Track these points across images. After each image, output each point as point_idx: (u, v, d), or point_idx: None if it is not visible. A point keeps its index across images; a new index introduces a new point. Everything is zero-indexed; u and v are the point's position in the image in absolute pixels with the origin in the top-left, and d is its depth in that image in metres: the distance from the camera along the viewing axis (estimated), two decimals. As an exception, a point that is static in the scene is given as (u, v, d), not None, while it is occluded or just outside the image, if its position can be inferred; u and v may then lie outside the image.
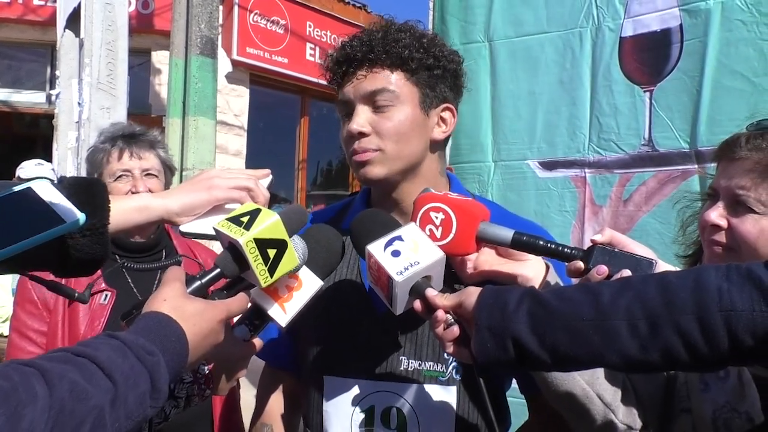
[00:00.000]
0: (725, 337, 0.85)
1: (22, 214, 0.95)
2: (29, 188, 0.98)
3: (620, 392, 1.21)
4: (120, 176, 1.95)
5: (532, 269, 1.17)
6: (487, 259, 1.20)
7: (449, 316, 1.05)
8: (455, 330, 1.04)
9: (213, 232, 1.18)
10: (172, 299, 0.95)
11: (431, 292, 1.07)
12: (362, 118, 1.33)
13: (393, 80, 1.33)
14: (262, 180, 1.25)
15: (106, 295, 1.87)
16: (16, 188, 0.98)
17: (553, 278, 1.19)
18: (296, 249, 1.09)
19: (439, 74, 1.36)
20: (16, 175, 5.02)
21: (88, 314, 1.85)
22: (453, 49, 1.42)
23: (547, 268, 1.19)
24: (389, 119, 1.33)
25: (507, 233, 1.13)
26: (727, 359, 0.90)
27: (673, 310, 0.88)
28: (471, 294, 1.03)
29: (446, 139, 1.43)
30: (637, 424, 1.22)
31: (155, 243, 2.04)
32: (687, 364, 0.90)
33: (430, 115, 1.37)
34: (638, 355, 0.90)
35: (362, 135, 1.33)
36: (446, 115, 1.40)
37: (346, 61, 1.37)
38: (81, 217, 0.96)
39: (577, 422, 1.25)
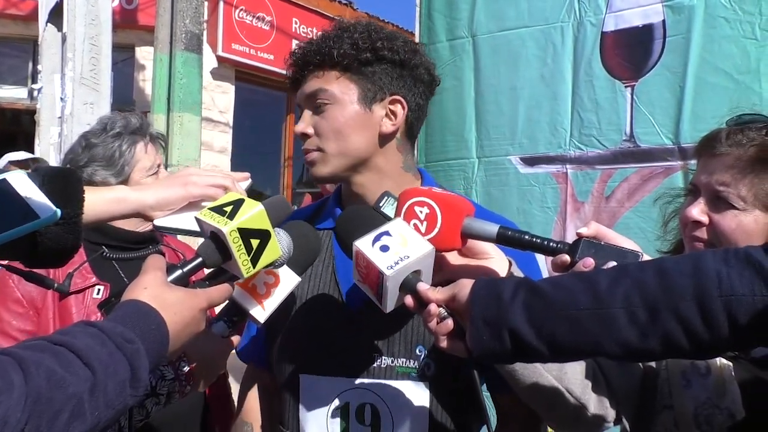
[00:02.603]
0: (725, 322, 0.84)
1: None
2: (4, 180, 0.97)
3: (590, 385, 1.21)
4: (156, 171, 1.92)
5: (495, 266, 1.16)
6: (450, 259, 1.19)
7: (442, 310, 1.04)
8: (449, 323, 1.03)
9: (187, 228, 1.17)
10: (152, 287, 0.94)
11: (423, 286, 1.05)
12: (305, 120, 1.38)
13: (327, 80, 1.36)
14: (241, 182, 1.25)
15: (99, 290, 1.80)
16: None
17: (518, 274, 1.18)
18: (280, 241, 1.08)
19: (381, 68, 1.36)
20: (3, 164, 4.98)
21: (82, 310, 1.78)
22: (405, 40, 1.41)
23: (510, 264, 1.18)
24: (326, 119, 1.35)
25: (492, 228, 1.12)
26: (727, 345, 0.89)
27: (672, 296, 0.87)
28: (464, 286, 1.01)
29: (400, 133, 1.40)
30: (610, 416, 1.22)
31: (150, 237, 1.99)
32: (687, 350, 0.89)
33: (373, 109, 1.36)
34: (638, 343, 0.89)
35: (305, 136, 1.38)
36: (395, 107, 1.38)
37: (294, 68, 1.42)
38: (56, 211, 0.95)
39: (549, 416, 1.25)
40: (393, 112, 1.38)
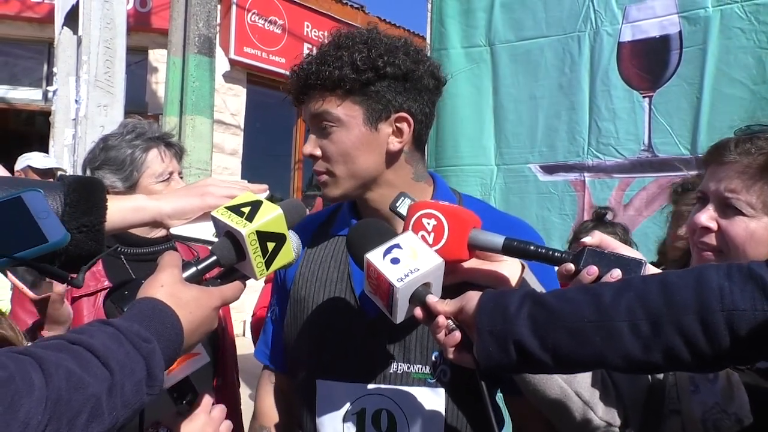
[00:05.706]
0: (727, 336, 0.86)
1: (7, 226, 0.93)
2: (19, 198, 0.95)
3: (599, 390, 1.22)
4: (167, 178, 1.94)
5: (508, 269, 1.18)
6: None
7: (450, 322, 1.05)
8: (457, 335, 1.04)
9: (203, 237, 1.18)
10: (168, 286, 0.95)
11: (432, 299, 1.07)
12: (311, 141, 1.36)
13: (331, 103, 1.32)
14: (258, 194, 1.25)
15: None
16: (7, 197, 0.95)
17: (529, 277, 1.20)
18: (291, 243, 1.09)
19: (385, 85, 1.31)
20: (23, 165, 5.01)
21: (93, 313, 1.79)
22: (406, 50, 1.34)
23: (523, 267, 1.20)
24: (332, 142, 1.33)
25: (498, 239, 1.14)
26: (729, 358, 0.90)
27: (674, 310, 0.88)
28: (471, 298, 1.03)
29: (407, 146, 1.38)
30: (617, 421, 1.23)
31: (165, 240, 2.01)
32: (689, 363, 0.90)
33: (379, 129, 1.33)
34: (640, 355, 0.90)
35: (314, 157, 1.37)
36: (401, 125, 1.34)
37: (296, 90, 1.38)
38: (66, 235, 0.95)
39: (558, 419, 1.26)
40: (399, 130, 1.35)
